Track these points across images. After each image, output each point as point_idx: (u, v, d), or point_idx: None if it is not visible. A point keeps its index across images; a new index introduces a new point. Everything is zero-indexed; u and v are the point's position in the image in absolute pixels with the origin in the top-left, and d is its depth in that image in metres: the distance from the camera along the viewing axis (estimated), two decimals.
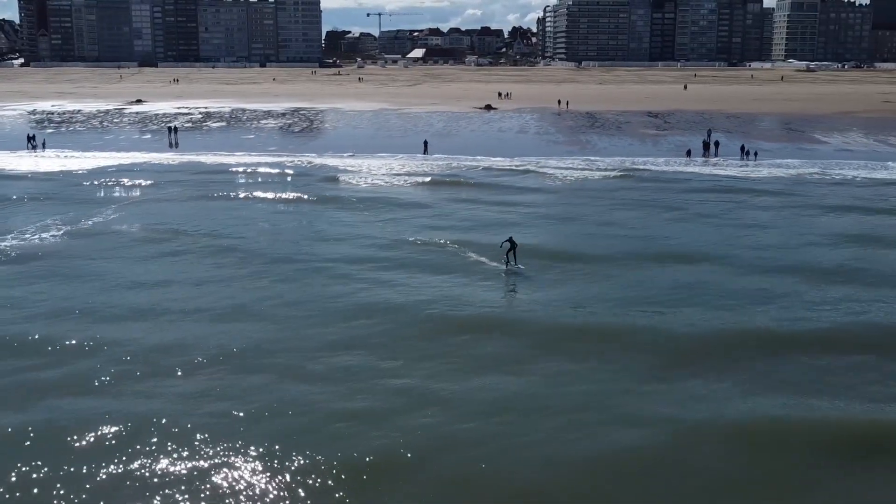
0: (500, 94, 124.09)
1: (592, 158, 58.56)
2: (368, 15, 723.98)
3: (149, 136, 75.76)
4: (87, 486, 14.98)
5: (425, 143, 63.00)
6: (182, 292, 26.32)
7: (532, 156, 59.40)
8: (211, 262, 30.35)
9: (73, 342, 21.70)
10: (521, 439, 16.73)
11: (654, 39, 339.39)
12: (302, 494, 14.89)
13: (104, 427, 16.96)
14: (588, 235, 34.82)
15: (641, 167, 54.18)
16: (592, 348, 21.64)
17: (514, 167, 54.16)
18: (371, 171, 52.76)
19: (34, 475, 15.34)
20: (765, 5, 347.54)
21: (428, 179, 49.25)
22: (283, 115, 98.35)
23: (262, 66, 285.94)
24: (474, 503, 14.85)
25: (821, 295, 26.16)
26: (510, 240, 28.06)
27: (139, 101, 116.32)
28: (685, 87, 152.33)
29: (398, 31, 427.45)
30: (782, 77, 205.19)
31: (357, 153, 60.76)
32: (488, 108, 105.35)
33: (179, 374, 19.82)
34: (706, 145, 61.66)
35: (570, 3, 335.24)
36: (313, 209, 40.82)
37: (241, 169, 54.07)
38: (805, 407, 18.17)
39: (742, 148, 59.81)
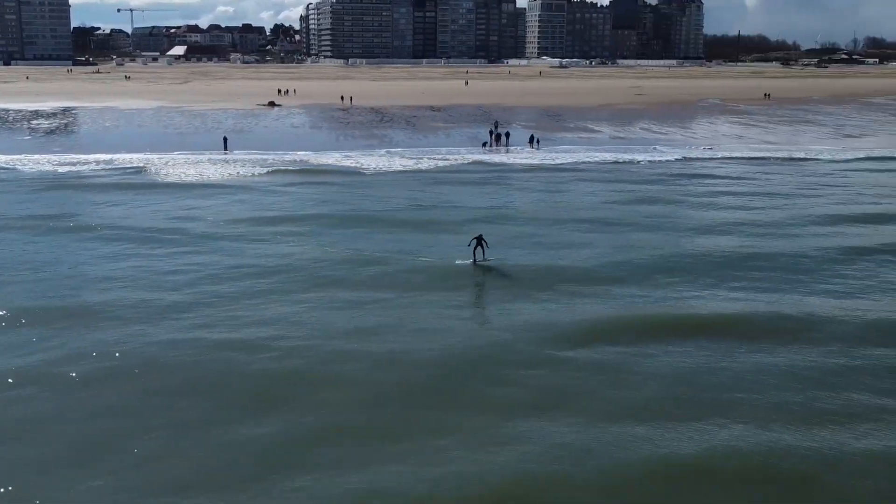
0: (280, 91, 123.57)
1: (395, 150, 60.64)
2: (119, 10, 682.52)
3: None
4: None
5: (225, 139, 62.31)
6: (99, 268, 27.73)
7: (335, 150, 60.43)
8: (75, 239, 31.56)
9: None
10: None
11: (416, 37, 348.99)
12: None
13: None
14: (423, 207, 37.54)
15: (448, 157, 56.82)
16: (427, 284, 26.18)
17: (324, 161, 55.11)
18: (179, 164, 51.84)
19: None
20: (518, 5, 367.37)
21: (246, 170, 49.61)
22: (55, 114, 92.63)
23: (7, 63, 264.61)
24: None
25: (635, 239, 32.56)
26: (478, 238, 27.89)
27: None
28: (466, 84, 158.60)
29: (153, 27, 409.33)
30: (540, 73, 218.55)
31: (153, 151, 58.77)
32: (272, 104, 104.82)
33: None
34: (497, 136, 65.47)
35: (334, 0, 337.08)
36: (142, 195, 41.37)
37: (35, 167, 51.16)
38: (636, 307, 24.18)
39: (532, 137, 64.28)
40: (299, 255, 29.39)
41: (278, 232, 32.83)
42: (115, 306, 23.32)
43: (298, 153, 58.32)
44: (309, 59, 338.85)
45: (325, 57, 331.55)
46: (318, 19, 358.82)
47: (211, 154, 57.34)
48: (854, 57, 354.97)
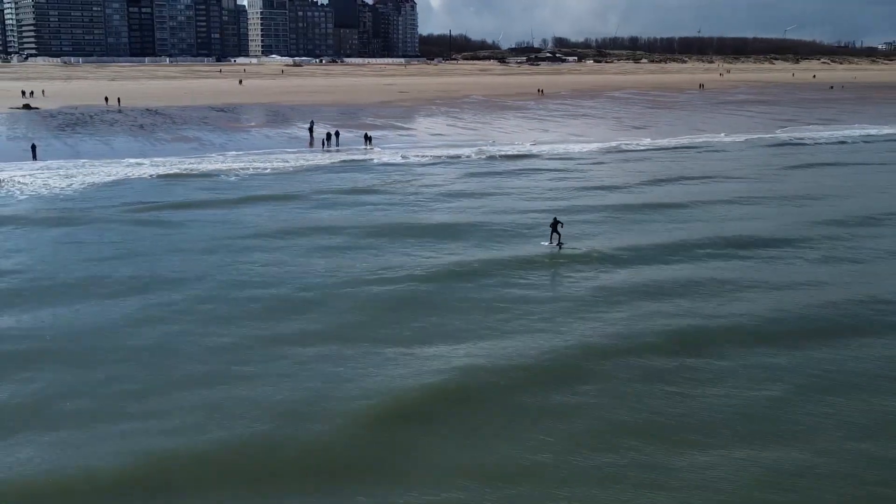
0: (24, 93, 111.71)
1: (231, 153, 57.34)
2: None
3: None
4: None
5: (33, 147, 55.58)
6: None
7: (172, 156, 55.86)
8: None
9: None
10: None
11: (132, 34, 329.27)
12: None
13: None
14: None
15: (301, 161, 54.17)
16: None
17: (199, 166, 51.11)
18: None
19: None
20: (239, 2, 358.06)
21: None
22: None
23: None
24: None
25: None
26: (555, 220, 30.89)
27: None
28: (241, 83, 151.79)
29: None
30: (283, 71, 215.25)
31: None
32: (28, 107, 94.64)
33: None
34: (327, 136, 63.87)
35: None
36: None
37: None
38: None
39: (367, 136, 63.59)
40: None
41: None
42: None
43: (123, 160, 53.27)
44: (15, 58, 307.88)
45: (31, 55, 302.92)
46: (18, 14, 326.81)
47: (16, 165, 50.71)
48: (557, 56, 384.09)
